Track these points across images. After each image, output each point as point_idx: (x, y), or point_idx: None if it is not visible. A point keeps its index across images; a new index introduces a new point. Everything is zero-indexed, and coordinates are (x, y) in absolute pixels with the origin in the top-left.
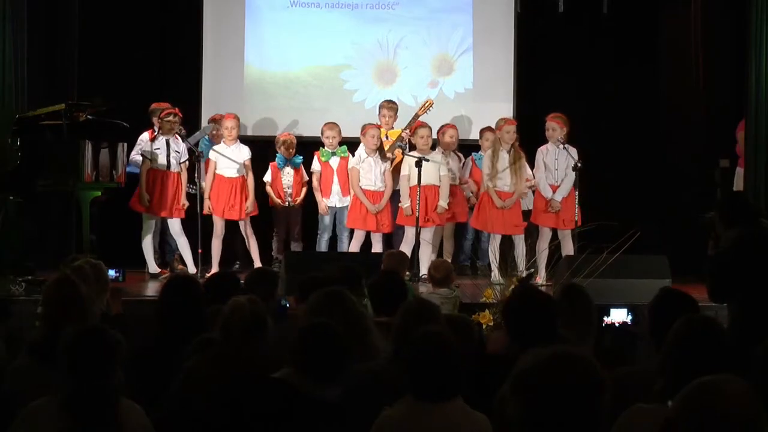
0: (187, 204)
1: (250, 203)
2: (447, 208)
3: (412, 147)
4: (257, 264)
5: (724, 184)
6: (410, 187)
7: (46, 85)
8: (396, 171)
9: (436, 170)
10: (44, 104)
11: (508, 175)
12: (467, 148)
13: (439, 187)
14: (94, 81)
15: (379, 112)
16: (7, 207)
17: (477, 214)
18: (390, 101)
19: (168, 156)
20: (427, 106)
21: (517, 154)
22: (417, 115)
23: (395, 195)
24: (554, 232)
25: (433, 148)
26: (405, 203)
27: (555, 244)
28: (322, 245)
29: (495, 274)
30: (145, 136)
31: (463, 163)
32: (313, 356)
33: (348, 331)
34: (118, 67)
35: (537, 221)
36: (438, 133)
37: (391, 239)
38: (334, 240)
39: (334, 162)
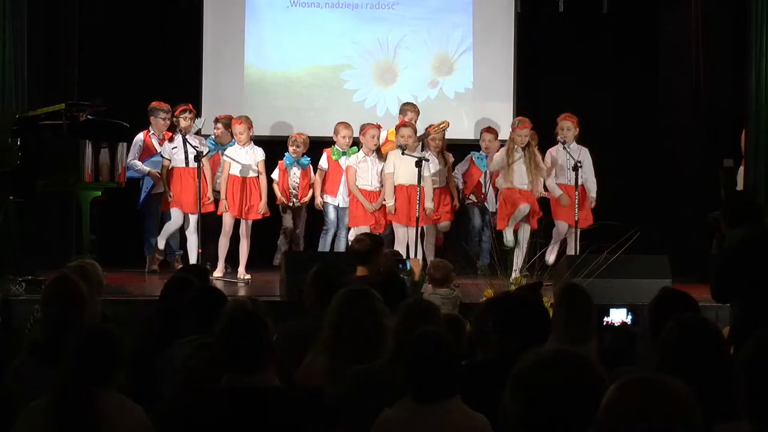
0: (211, 199)
1: (262, 205)
2: (434, 209)
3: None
4: (242, 266)
5: (728, 183)
6: (395, 186)
7: (46, 85)
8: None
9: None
10: (44, 104)
11: (525, 174)
12: (467, 147)
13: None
14: (94, 81)
15: (403, 114)
16: (7, 207)
17: (502, 216)
18: (411, 103)
19: (186, 153)
20: (443, 127)
21: (532, 154)
22: (427, 134)
23: None
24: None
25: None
26: (389, 201)
27: (560, 242)
28: (327, 243)
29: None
30: (139, 137)
31: (454, 162)
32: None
33: (367, 332)
34: (118, 67)
35: (558, 218)
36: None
37: (392, 239)
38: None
39: (344, 162)
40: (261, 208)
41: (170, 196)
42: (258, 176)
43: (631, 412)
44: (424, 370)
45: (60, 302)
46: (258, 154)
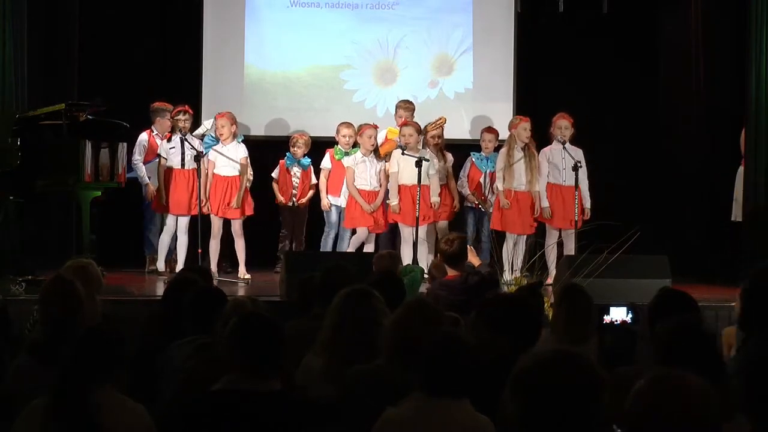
0: (205, 201)
1: (235, 200)
2: (440, 202)
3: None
4: (242, 265)
5: None
6: (399, 185)
7: (46, 85)
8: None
9: (425, 168)
10: (44, 104)
11: (523, 174)
12: (467, 147)
13: (428, 186)
14: (94, 81)
15: (396, 112)
16: (7, 207)
17: (498, 215)
18: (407, 101)
19: (183, 154)
20: (440, 123)
21: (532, 154)
22: (426, 131)
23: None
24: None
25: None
26: (393, 201)
27: (557, 243)
28: (328, 244)
29: (506, 274)
30: (143, 136)
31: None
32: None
33: (367, 332)
34: (118, 67)
35: (550, 222)
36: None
37: (394, 239)
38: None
39: (346, 161)
40: (234, 203)
41: (165, 200)
42: (240, 175)
43: (657, 410)
44: (446, 363)
45: (58, 302)
46: (240, 151)
